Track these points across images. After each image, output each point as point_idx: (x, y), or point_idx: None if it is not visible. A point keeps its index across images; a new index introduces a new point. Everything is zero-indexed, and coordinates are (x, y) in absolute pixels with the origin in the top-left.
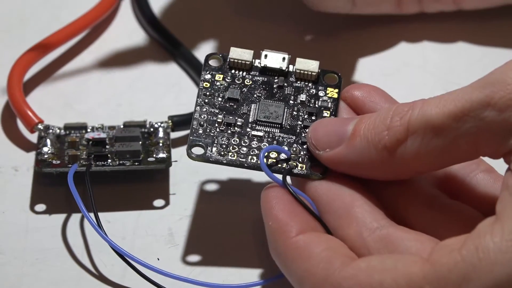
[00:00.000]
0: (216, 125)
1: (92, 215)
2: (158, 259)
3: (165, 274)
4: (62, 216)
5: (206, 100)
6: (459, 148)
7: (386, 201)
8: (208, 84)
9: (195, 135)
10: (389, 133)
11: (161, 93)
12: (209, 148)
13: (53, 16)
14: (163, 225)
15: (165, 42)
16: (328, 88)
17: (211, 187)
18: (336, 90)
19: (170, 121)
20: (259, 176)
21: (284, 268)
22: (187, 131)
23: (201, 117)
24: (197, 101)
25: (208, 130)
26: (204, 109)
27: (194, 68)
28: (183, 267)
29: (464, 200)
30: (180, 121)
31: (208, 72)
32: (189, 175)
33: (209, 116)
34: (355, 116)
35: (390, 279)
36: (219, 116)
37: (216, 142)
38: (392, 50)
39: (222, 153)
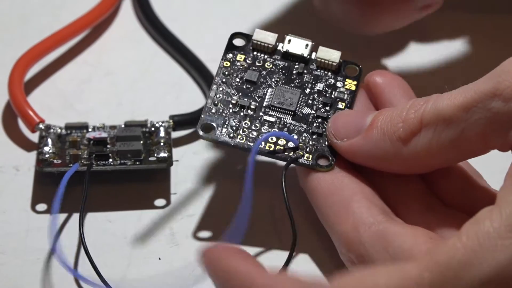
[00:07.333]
0: (230, 106)
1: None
2: (160, 259)
3: None
4: (63, 216)
5: (224, 80)
6: (469, 140)
7: (386, 197)
8: (229, 64)
9: (207, 114)
10: (404, 125)
11: (162, 92)
12: (219, 129)
13: (53, 16)
14: (164, 224)
15: (166, 42)
16: (347, 80)
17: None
18: (355, 82)
19: (171, 121)
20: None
21: None
22: (189, 131)
23: (216, 96)
24: (215, 79)
25: (221, 110)
26: (221, 89)
27: (195, 68)
28: (184, 266)
29: (459, 210)
30: (181, 121)
31: (230, 51)
32: (190, 175)
33: (224, 96)
34: (371, 106)
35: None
36: (234, 97)
37: (227, 123)
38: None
39: (232, 135)
